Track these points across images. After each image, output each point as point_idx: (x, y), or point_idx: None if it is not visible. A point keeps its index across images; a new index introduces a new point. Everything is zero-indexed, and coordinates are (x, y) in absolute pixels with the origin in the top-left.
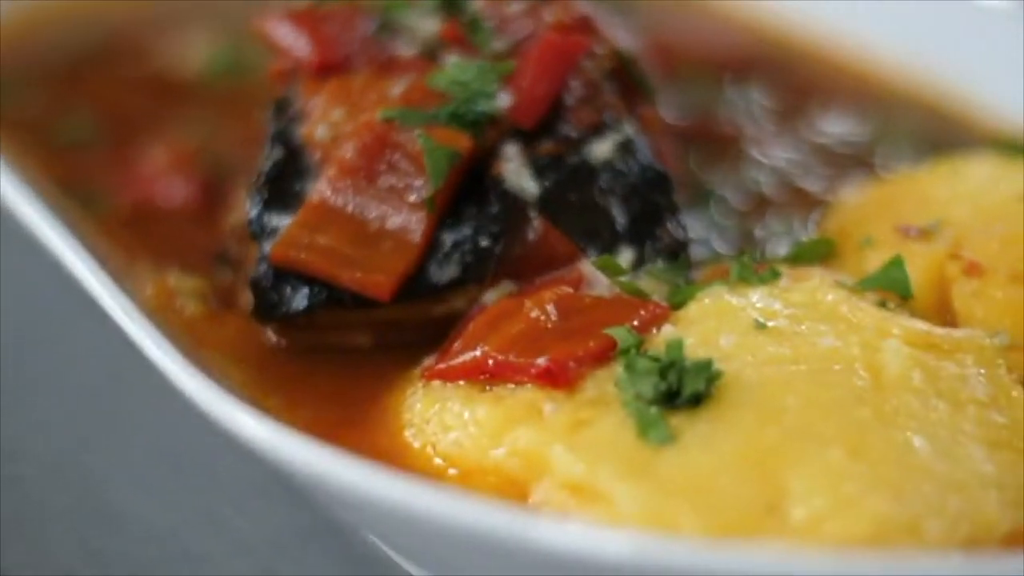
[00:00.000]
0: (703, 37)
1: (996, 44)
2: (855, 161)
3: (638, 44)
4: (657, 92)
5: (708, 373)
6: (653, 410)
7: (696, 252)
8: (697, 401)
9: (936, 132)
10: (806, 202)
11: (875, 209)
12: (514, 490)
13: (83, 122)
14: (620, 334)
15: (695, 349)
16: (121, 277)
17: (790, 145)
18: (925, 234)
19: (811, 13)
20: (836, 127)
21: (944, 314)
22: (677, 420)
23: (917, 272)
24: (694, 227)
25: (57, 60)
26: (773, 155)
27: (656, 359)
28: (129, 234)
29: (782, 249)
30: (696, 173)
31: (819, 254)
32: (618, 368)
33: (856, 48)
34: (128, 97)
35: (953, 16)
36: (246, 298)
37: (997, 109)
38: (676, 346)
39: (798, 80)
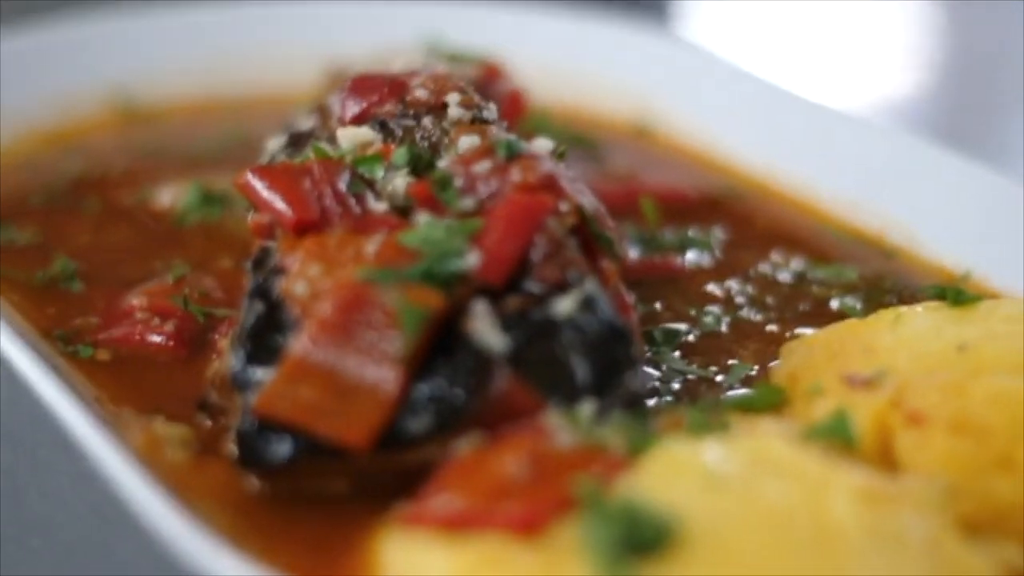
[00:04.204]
0: (668, 178)
1: (945, 192)
2: (811, 300)
3: (605, 188)
4: (617, 242)
5: (664, 524)
6: (614, 558)
7: (655, 396)
8: (656, 549)
9: (884, 271)
10: (763, 344)
11: (823, 356)
12: None
13: (63, 264)
14: (583, 484)
15: (653, 499)
16: (108, 424)
17: (749, 286)
18: (869, 384)
19: (772, 157)
20: (794, 268)
21: (888, 461)
22: (636, 567)
23: (862, 421)
24: (653, 372)
25: (36, 200)
26: (732, 296)
27: (616, 509)
28: (111, 379)
29: (738, 391)
30: (656, 314)
31: (770, 403)
32: (581, 517)
33: (815, 190)
34: (104, 236)
35: (907, 162)
36: (228, 445)
37: (941, 254)
38: (634, 497)
39: (754, 217)
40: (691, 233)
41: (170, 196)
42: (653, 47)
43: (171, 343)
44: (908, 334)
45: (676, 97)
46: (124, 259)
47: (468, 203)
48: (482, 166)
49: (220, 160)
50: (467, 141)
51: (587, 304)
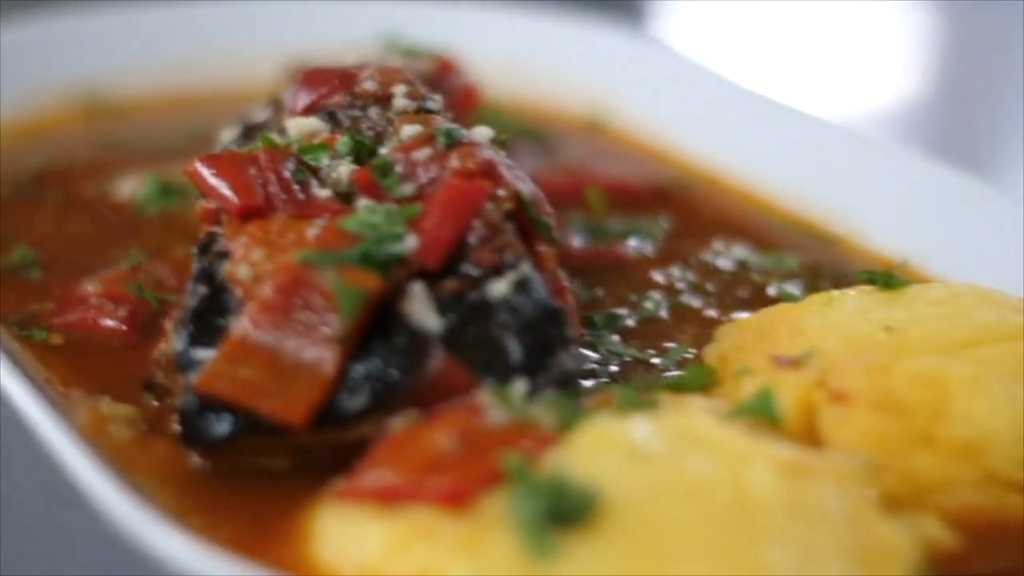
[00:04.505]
0: (616, 169)
1: (888, 182)
2: (750, 287)
3: (554, 179)
4: (554, 227)
5: (588, 495)
6: (538, 529)
7: (592, 377)
8: (579, 520)
9: (824, 259)
10: (701, 328)
11: (753, 338)
12: None
13: (21, 252)
14: (510, 459)
15: (578, 473)
16: (57, 405)
17: (690, 273)
18: (796, 363)
19: (722, 149)
20: (734, 254)
21: (813, 439)
22: (560, 538)
23: (787, 399)
24: (593, 355)
25: (1, 192)
26: (672, 280)
27: (542, 482)
28: (63, 362)
29: (673, 373)
30: (599, 300)
31: (700, 382)
32: (508, 490)
33: (762, 182)
34: (65, 226)
35: (851, 153)
36: (173, 424)
37: (881, 242)
38: (560, 470)
39: (701, 207)
40: (637, 222)
41: (130, 188)
42: (607, 43)
43: (124, 327)
44: (837, 317)
45: (629, 91)
46: (83, 248)
47: (408, 189)
48: (422, 153)
49: (181, 153)
50: (410, 130)
51: (522, 286)
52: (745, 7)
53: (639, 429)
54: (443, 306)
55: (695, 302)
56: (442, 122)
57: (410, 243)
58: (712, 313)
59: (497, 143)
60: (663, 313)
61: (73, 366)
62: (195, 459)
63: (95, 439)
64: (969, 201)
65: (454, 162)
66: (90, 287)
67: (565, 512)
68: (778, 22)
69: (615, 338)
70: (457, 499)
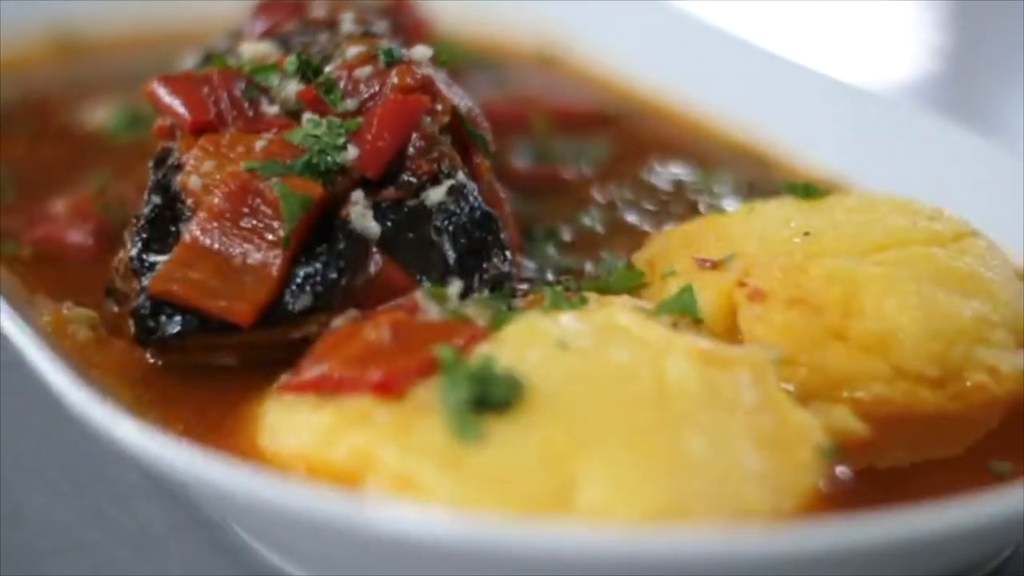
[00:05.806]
0: (560, 94)
1: (821, 108)
2: (684, 204)
3: (503, 106)
4: (490, 140)
5: (514, 383)
6: (466, 414)
7: (527, 282)
8: (504, 407)
9: (758, 179)
10: (634, 241)
11: (680, 244)
12: (350, 484)
13: None
14: (443, 351)
15: (506, 363)
16: (21, 308)
17: (628, 190)
18: (718, 265)
19: (659, 74)
20: (672, 174)
21: (733, 335)
22: (486, 423)
23: (709, 298)
24: (531, 264)
25: None
26: (611, 199)
27: (471, 371)
28: (31, 273)
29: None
30: (539, 215)
31: (628, 284)
32: (440, 379)
33: (700, 105)
34: (39, 152)
35: (782, 78)
36: (130, 326)
37: (809, 159)
38: (488, 360)
39: (644, 133)
40: (580, 145)
41: (101, 116)
42: None
43: (90, 241)
44: (759, 224)
45: (579, 25)
46: (55, 172)
47: (351, 104)
48: (364, 71)
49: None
50: (354, 50)
51: (457, 193)
52: None
53: (565, 323)
54: (383, 213)
55: (631, 218)
56: (384, 43)
57: (351, 154)
58: (647, 227)
59: (438, 62)
60: (599, 228)
61: (40, 276)
62: (150, 358)
63: (56, 339)
64: (904, 124)
65: (393, 78)
66: (59, 205)
67: (492, 399)
68: None
69: (551, 249)
70: (391, 387)
